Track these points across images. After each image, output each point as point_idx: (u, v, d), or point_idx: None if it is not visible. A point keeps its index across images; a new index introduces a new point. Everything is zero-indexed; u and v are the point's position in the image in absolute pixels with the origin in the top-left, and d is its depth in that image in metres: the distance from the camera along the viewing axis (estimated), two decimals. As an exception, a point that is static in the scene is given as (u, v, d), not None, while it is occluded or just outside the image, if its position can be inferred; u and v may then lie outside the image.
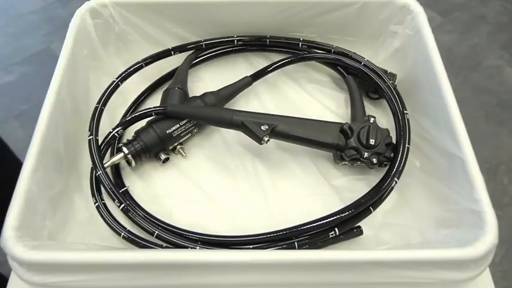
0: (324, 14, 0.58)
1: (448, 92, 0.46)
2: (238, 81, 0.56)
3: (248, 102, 0.58)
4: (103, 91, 0.51)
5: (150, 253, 0.37)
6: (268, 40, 0.59)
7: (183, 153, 0.52)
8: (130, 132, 0.51)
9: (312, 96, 0.58)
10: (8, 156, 0.64)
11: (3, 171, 0.46)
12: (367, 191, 0.46)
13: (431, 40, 0.52)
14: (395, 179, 0.46)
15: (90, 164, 0.47)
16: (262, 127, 0.47)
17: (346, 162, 0.49)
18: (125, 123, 0.49)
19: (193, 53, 0.58)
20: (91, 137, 0.47)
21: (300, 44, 0.59)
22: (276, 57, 0.59)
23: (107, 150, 0.50)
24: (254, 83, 0.57)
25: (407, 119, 0.49)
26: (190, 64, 0.58)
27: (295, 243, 0.43)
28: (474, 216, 0.39)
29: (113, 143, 0.51)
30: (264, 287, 0.39)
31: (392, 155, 0.48)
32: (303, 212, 0.45)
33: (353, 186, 0.50)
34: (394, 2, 0.56)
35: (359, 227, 0.45)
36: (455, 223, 0.43)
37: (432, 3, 1.63)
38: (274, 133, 0.48)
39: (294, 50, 0.60)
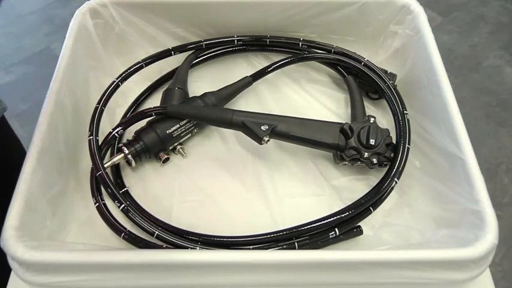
0: (324, 14, 0.58)
1: (448, 92, 0.46)
2: (238, 81, 0.56)
3: (248, 102, 0.58)
4: (103, 91, 0.51)
5: (150, 253, 0.37)
6: (268, 40, 0.59)
7: (183, 153, 0.52)
8: (130, 132, 0.51)
9: (312, 96, 0.58)
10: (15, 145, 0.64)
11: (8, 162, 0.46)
12: (367, 191, 0.46)
13: (431, 40, 0.52)
14: (396, 179, 0.46)
15: (90, 164, 0.47)
16: (262, 127, 0.47)
17: (346, 163, 0.49)
18: (125, 123, 0.49)
19: (193, 53, 0.58)
20: (91, 137, 0.47)
21: (300, 44, 0.59)
22: (276, 57, 0.59)
23: (107, 150, 0.50)
24: (254, 83, 0.57)
25: (407, 119, 0.49)
26: (190, 64, 0.58)
27: (296, 243, 0.43)
28: (474, 216, 0.39)
29: (113, 143, 0.51)
30: (264, 287, 0.39)
31: (392, 155, 0.48)
32: (303, 212, 0.45)
33: (353, 186, 0.50)
34: (394, 2, 0.56)
35: (359, 226, 0.45)
36: (455, 223, 0.43)
37: (432, 3, 1.63)
38: (274, 133, 0.48)
39: (294, 50, 0.60)
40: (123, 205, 0.44)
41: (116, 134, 0.49)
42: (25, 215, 0.38)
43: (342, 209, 0.45)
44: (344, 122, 0.50)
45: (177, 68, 0.58)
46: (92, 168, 0.47)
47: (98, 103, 0.50)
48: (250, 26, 0.59)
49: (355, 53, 0.56)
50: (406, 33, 0.56)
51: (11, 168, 0.43)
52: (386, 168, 0.48)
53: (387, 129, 0.49)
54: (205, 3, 0.57)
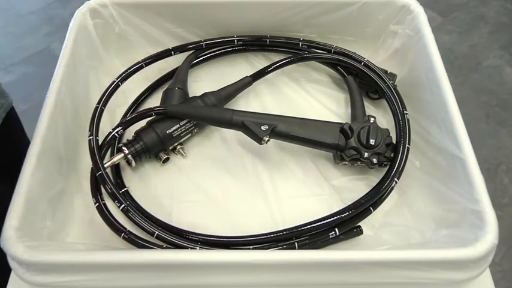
0: (324, 14, 0.58)
1: (448, 92, 0.46)
2: (238, 81, 0.56)
3: (248, 102, 0.58)
4: (103, 91, 0.51)
5: (150, 253, 0.37)
6: (268, 40, 0.59)
7: (183, 153, 0.52)
8: (130, 132, 0.51)
9: (312, 96, 0.58)
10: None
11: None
12: (367, 191, 0.46)
13: (431, 40, 0.52)
14: (396, 179, 0.46)
15: (90, 164, 0.47)
16: (262, 127, 0.47)
17: (346, 162, 0.49)
18: (125, 124, 0.49)
19: (193, 53, 0.58)
20: (91, 137, 0.47)
21: (300, 44, 0.59)
22: (276, 57, 0.59)
23: (107, 150, 0.50)
24: (254, 83, 0.57)
25: (407, 119, 0.49)
26: (190, 64, 0.58)
27: (296, 243, 0.43)
28: (474, 216, 0.39)
29: (113, 143, 0.51)
30: (264, 287, 0.39)
31: (392, 155, 0.48)
32: (303, 212, 0.45)
33: (353, 186, 0.50)
34: (394, 2, 0.56)
35: (359, 226, 0.45)
36: (455, 223, 0.43)
37: (432, 3, 1.63)
38: (274, 133, 0.48)
39: (294, 50, 0.60)
40: (123, 205, 0.44)
41: (116, 134, 0.49)
42: (25, 215, 0.38)
43: (342, 209, 0.45)
44: (344, 122, 0.50)
45: (177, 68, 0.58)
46: (92, 168, 0.47)
47: (98, 103, 0.50)
48: (250, 26, 0.59)
49: (355, 53, 0.56)
50: (406, 33, 0.56)
51: (15, 165, 0.43)
52: (386, 168, 0.48)
53: (387, 129, 0.49)
54: (205, 3, 0.57)
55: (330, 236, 0.44)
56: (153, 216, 0.46)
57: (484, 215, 0.38)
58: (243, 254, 0.37)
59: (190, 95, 0.54)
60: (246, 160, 0.52)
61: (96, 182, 0.46)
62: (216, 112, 0.50)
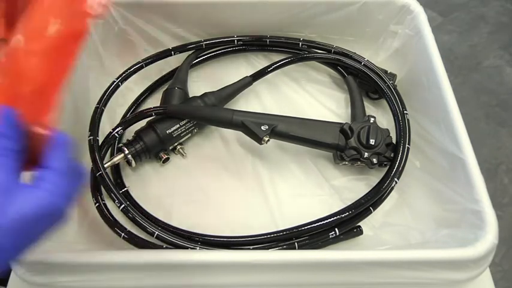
0: (324, 14, 0.58)
1: (448, 92, 0.47)
2: (238, 81, 0.56)
3: (248, 102, 0.58)
4: (103, 91, 0.51)
5: (150, 253, 0.37)
6: (268, 40, 0.59)
7: (183, 153, 0.52)
8: (130, 133, 0.51)
9: (312, 96, 0.58)
10: None
11: None
12: (367, 191, 0.46)
13: (431, 40, 0.52)
14: (396, 179, 0.46)
15: (90, 164, 0.47)
16: (262, 127, 0.47)
17: (346, 162, 0.49)
18: (125, 124, 0.49)
19: (193, 53, 0.58)
20: (91, 137, 0.47)
21: (300, 44, 0.59)
22: (276, 57, 0.59)
23: (107, 150, 0.50)
24: (254, 83, 0.57)
25: (407, 119, 0.49)
26: (190, 64, 0.58)
27: (296, 243, 0.43)
28: (474, 216, 0.39)
29: (113, 143, 0.51)
30: (264, 287, 0.39)
31: (392, 155, 0.48)
32: (303, 212, 0.45)
33: (353, 186, 0.50)
34: (394, 2, 0.56)
35: (359, 226, 0.45)
36: (455, 223, 0.43)
37: (432, 3, 1.63)
38: (274, 133, 0.48)
39: (294, 50, 0.60)
40: (123, 205, 0.44)
41: (116, 134, 0.49)
42: (25, 215, 0.38)
43: (342, 209, 0.45)
44: (344, 122, 0.50)
45: (177, 68, 0.58)
46: (92, 168, 0.47)
47: (98, 103, 0.50)
48: (250, 26, 0.59)
49: (355, 53, 0.56)
50: (406, 33, 0.56)
51: None
52: (386, 168, 0.48)
53: (387, 129, 0.49)
54: (205, 3, 0.57)
55: (330, 236, 0.44)
56: (153, 216, 0.46)
57: (484, 215, 0.38)
58: (243, 254, 0.37)
59: (190, 95, 0.54)
60: (246, 160, 0.52)
61: (96, 182, 0.46)
62: (216, 112, 0.50)
